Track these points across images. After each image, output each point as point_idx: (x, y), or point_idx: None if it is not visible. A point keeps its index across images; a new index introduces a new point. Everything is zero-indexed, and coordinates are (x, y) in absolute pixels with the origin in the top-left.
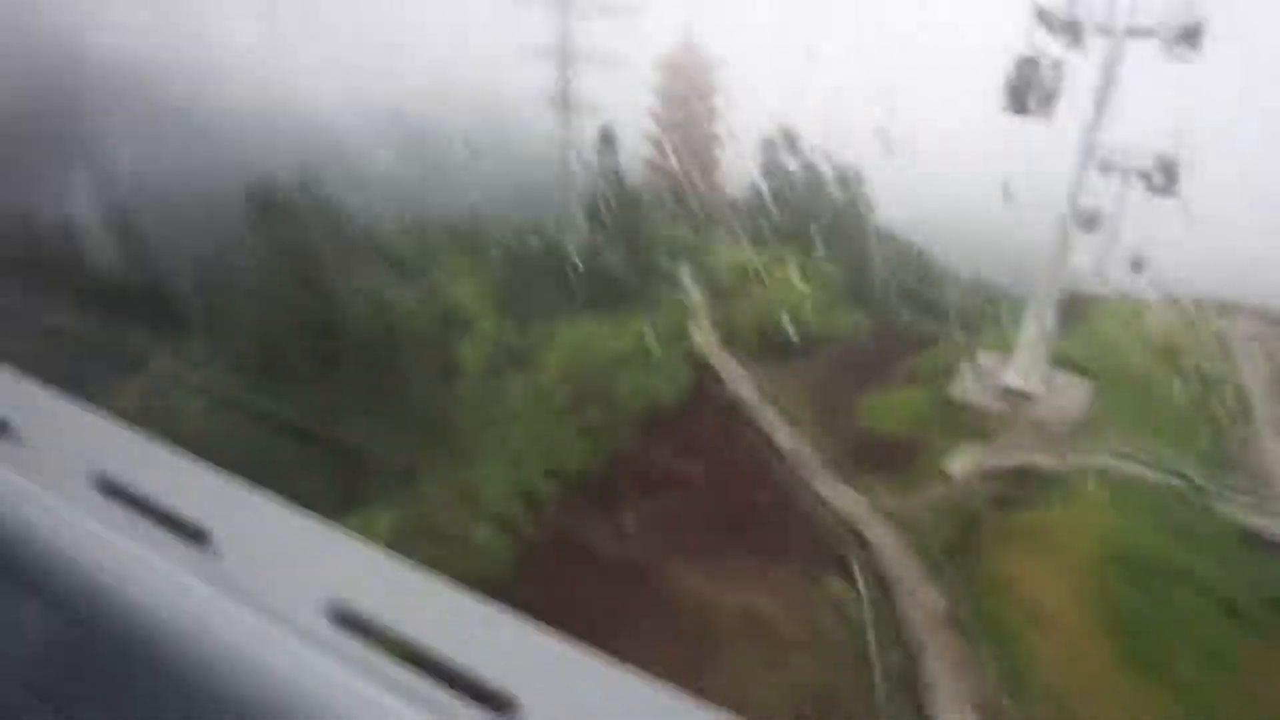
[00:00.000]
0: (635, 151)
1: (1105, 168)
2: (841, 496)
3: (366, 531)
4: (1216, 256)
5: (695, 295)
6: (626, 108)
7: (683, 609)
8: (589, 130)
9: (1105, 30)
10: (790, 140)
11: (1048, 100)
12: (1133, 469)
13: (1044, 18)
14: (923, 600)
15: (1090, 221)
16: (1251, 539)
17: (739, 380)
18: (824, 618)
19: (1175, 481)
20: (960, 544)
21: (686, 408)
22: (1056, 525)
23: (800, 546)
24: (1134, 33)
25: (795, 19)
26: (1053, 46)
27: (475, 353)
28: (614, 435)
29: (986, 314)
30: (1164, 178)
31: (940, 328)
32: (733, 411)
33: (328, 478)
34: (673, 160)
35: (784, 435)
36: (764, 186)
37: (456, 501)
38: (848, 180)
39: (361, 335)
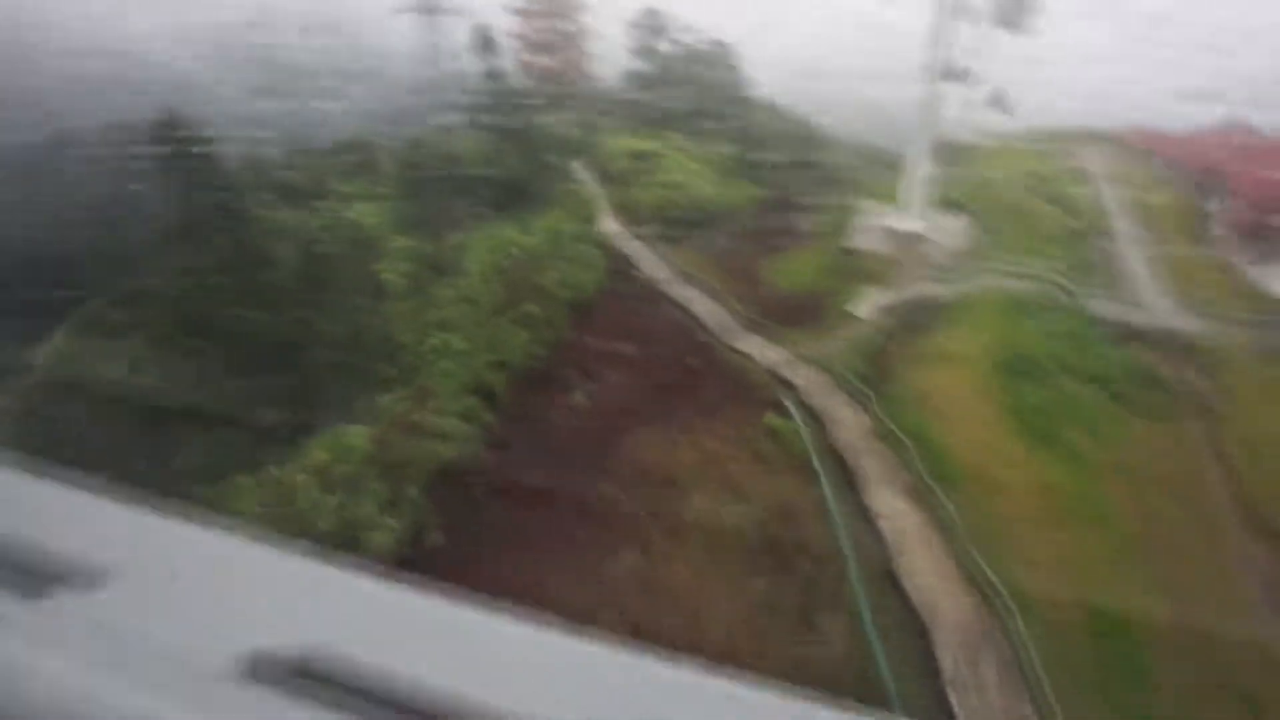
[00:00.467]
0: (504, 50)
1: (957, 12)
2: (764, 351)
3: (344, 448)
4: (1075, 87)
5: (592, 187)
6: (488, 7)
7: (643, 463)
8: (458, 35)
9: None
10: (656, 21)
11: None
12: (1014, 285)
13: None
14: (850, 422)
15: (952, 72)
16: (1118, 329)
17: (649, 261)
18: (768, 449)
19: (1052, 290)
20: (874, 372)
21: (609, 293)
22: (955, 341)
23: (737, 397)
24: None
25: None
26: None
27: (395, 270)
28: (551, 325)
29: (869, 171)
30: (1014, 8)
31: (829, 190)
32: (651, 290)
33: (282, 412)
34: (544, 56)
35: (701, 306)
36: (641, 69)
37: (418, 406)
38: (721, 57)
39: (285, 268)
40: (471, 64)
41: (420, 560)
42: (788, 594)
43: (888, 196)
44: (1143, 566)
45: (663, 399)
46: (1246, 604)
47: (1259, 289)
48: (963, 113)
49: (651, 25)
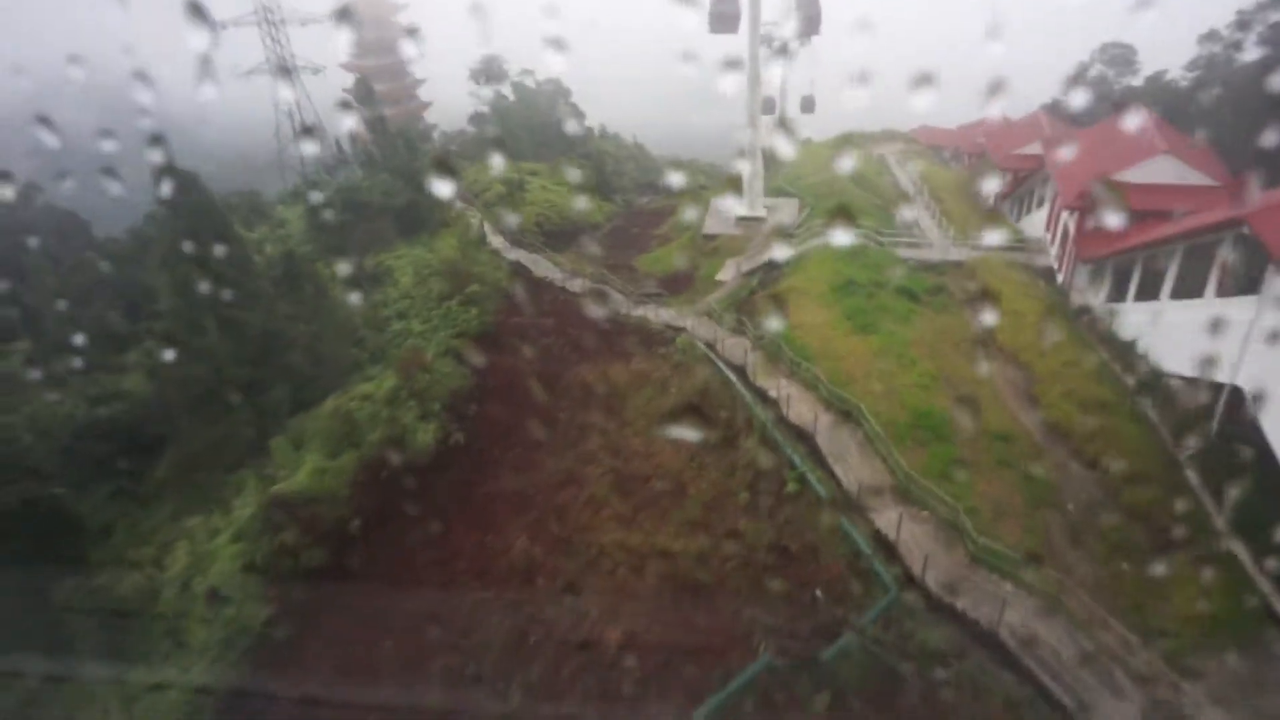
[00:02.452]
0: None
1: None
2: (656, 313)
3: (379, 383)
4: (873, 104)
5: (474, 212)
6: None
7: (589, 382)
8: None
9: None
10: (495, 67)
11: (732, 21)
12: (838, 239)
13: None
14: (734, 344)
15: (766, 104)
16: (916, 261)
17: (539, 264)
18: (681, 361)
19: (866, 242)
20: (744, 311)
21: (516, 290)
22: (800, 279)
23: (647, 342)
24: None
25: None
26: None
27: (338, 283)
28: (485, 308)
29: (709, 178)
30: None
31: (672, 198)
32: (549, 285)
33: (288, 397)
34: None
35: (597, 294)
36: (484, 111)
37: (410, 364)
38: (559, 94)
39: (267, 276)
40: (358, 110)
41: (450, 452)
42: (716, 437)
43: (734, 190)
44: (939, 387)
45: (590, 350)
46: (1001, 400)
47: (1012, 228)
48: (779, 125)
49: (489, 71)
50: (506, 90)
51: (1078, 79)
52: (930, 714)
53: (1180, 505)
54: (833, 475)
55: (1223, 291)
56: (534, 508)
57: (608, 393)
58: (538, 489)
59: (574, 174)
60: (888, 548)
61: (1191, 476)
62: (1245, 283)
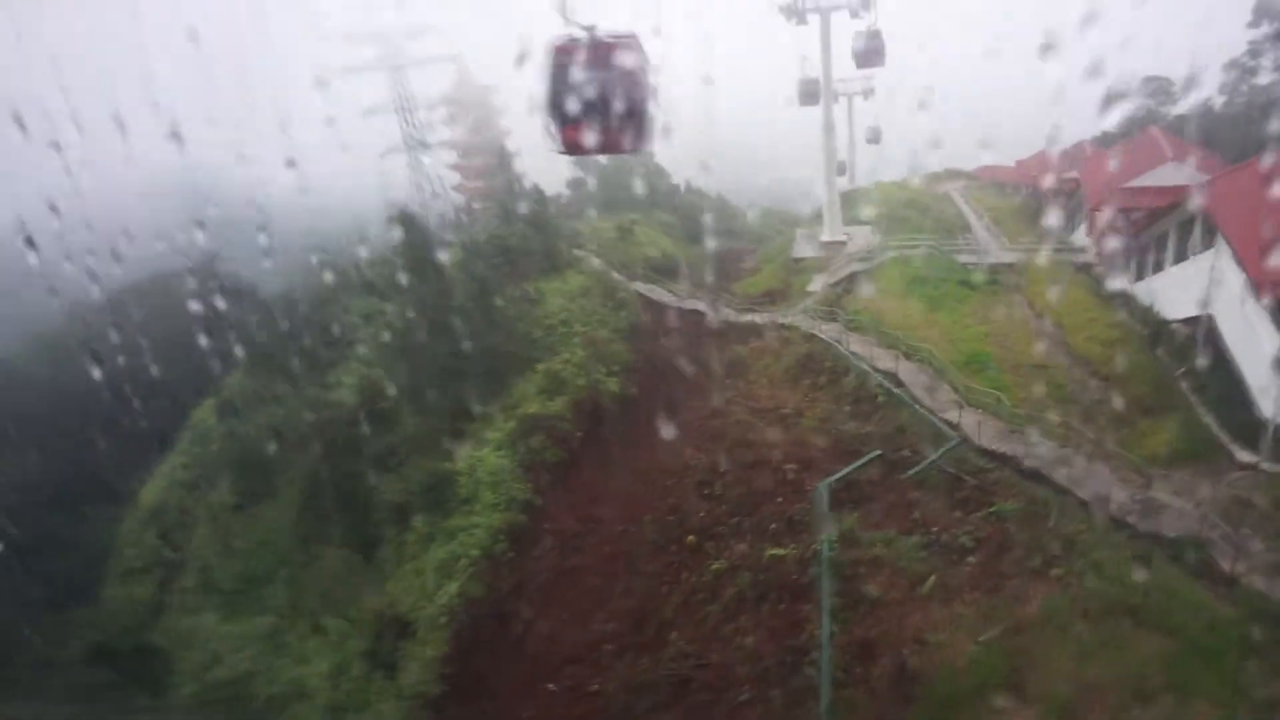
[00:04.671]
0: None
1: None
2: (760, 317)
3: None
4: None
5: (590, 255)
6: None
7: (717, 357)
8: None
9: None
10: None
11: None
12: (908, 253)
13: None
14: (827, 328)
15: (840, 167)
16: (973, 265)
17: (655, 291)
18: (787, 340)
19: (931, 250)
20: (834, 307)
21: (645, 315)
22: (879, 282)
23: (758, 333)
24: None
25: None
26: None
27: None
28: (630, 309)
29: (781, 221)
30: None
31: (751, 241)
32: (666, 304)
33: (497, 375)
34: (479, 181)
35: (710, 307)
36: (581, 176)
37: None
38: (648, 159)
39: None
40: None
41: (628, 399)
42: (823, 380)
43: (816, 224)
44: (990, 341)
45: (712, 338)
46: (1040, 345)
47: (1061, 239)
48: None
49: None
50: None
51: (1121, 109)
52: (985, 500)
53: (1169, 398)
54: (912, 395)
55: (1195, 251)
56: (695, 432)
57: (733, 361)
58: (695, 421)
59: (668, 222)
60: (953, 427)
61: (1183, 384)
62: (1208, 240)
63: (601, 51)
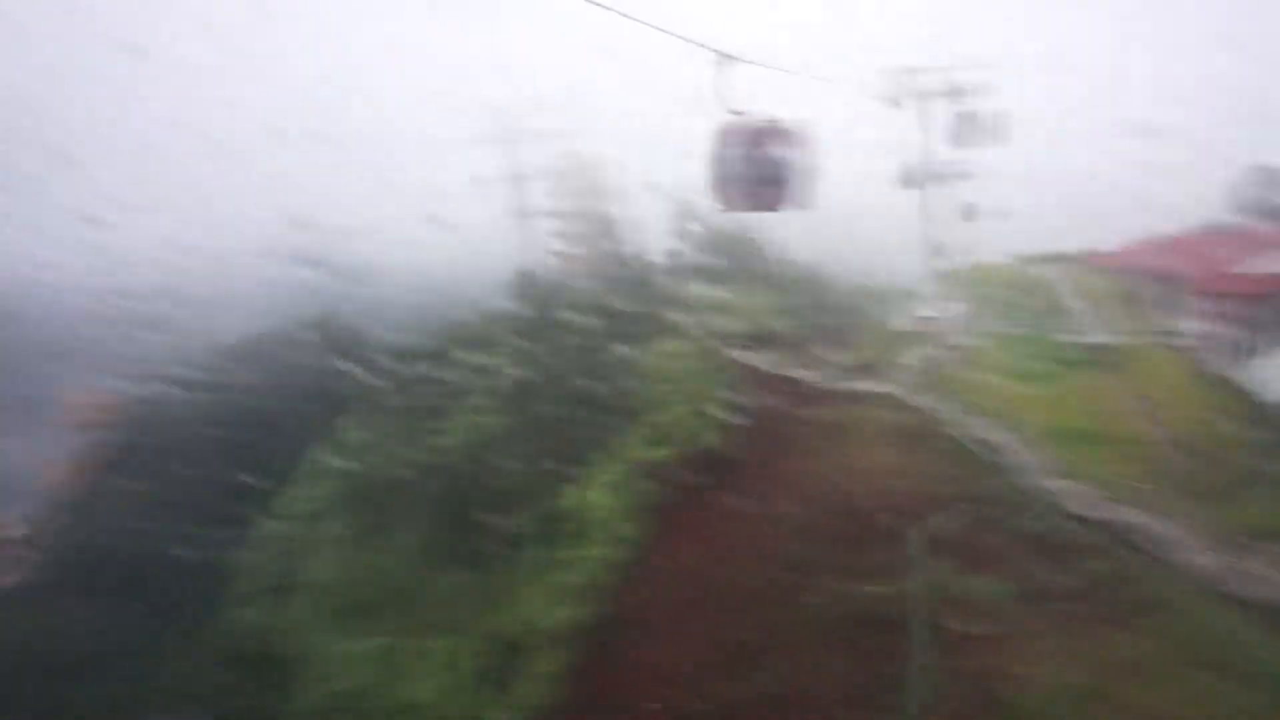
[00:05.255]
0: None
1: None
2: (857, 386)
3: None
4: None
5: (694, 324)
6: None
7: (830, 420)
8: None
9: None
10: (690, 209)
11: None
12: (1004, 330)
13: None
14: (923, 400)
15: (938, 250)
16: (1073, 346)
17: (753, 359)
18: (894, 405)
19: (1029, 331)
20: (930, 379)
21: (743, 379)
22: (976, 356)
23: (860, 401)
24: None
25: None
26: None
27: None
28: (732, 372)
29: (877, 296)
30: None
31: (847, 314)
32: (762, 372)
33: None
34: (579, 248)
35: (805, 375)
36: (678, 246)
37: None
38: (742, 230)
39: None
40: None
41: (716, 461)
42: (922, 450)
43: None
44: (1083, 416)
45: (809, 399)
46: (1132, 421)
47: (1163, 322)
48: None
49: (685, 212)
50: (696, 227)
51: (1223, 195)
52: (1074, 558)
53: (1265, 477)
54: (1005, 462)
55: None
56: (790, 486)
57: (828, 424)
58: (791, 476)
59: (765, 292)
60: (1045, 492)
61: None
62: None
63: (752, 131)
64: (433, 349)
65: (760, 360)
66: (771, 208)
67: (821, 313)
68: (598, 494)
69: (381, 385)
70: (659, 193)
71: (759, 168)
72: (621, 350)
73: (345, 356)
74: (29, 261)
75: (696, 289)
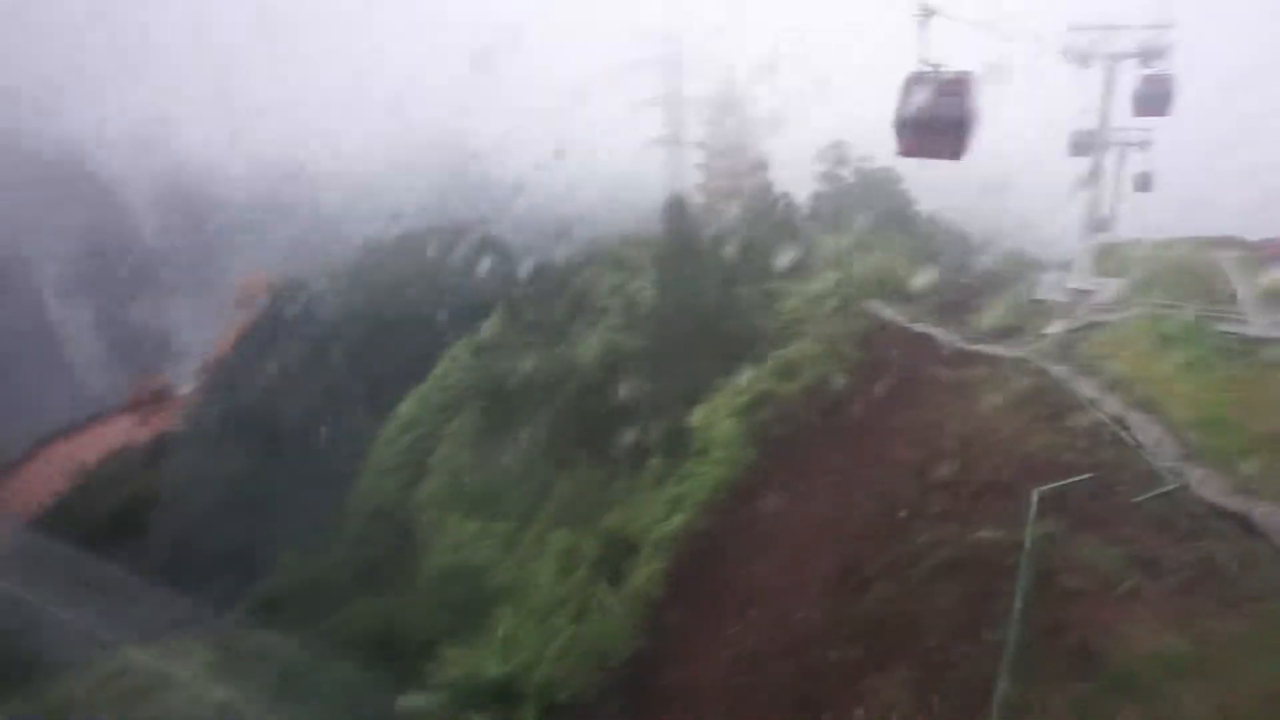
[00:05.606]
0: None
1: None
2: (990, 349)
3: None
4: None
5: (832, 268)
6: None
7: (949, 378)
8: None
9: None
10: (841, 152)
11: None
12: (1160, 311)
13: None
14: (1058, 369)
15: (1100, 222)
16: (1233, 336)
17: (887, 311)
18: (1015, 370)
19: (1188, 317)
20: (1070, 351)
21: (876, 328)
22: (1122, 334)
23: (984, 361)
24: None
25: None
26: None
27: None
28: (858, 338)
29: (1017, 261)
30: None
31: (986, 277)
32: (896, 323)
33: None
34: (725, 181)
35: (938, 333)
36: (824, 190)
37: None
38: (892, 181)
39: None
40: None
41: (842, 401)
42: (1051, 419)
43: (1060, 269)
44: (1238, 413)
45: (938, 360)
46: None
47: None
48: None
49: (835, 155)
50: (846, 173)
51: None
52: (1195, 540)
53: None
54: (1138, 440)
55: None
56: (914, 435)
57: (957, 382)
58: (915, 426)
59: (906, 246)
60: (1176, 475)
61: None
62: None
63: (941, 82)
64: (573, 266)
65: (895, 313)
66: (953, 157)
67: (964, 273)
68: (722, 416)
69: (521, 294)
70: (813, 132)
71: (946, 117)
72: (757, 285)
73: (489, 264)
74: (217, 151)
75: (838, 235)
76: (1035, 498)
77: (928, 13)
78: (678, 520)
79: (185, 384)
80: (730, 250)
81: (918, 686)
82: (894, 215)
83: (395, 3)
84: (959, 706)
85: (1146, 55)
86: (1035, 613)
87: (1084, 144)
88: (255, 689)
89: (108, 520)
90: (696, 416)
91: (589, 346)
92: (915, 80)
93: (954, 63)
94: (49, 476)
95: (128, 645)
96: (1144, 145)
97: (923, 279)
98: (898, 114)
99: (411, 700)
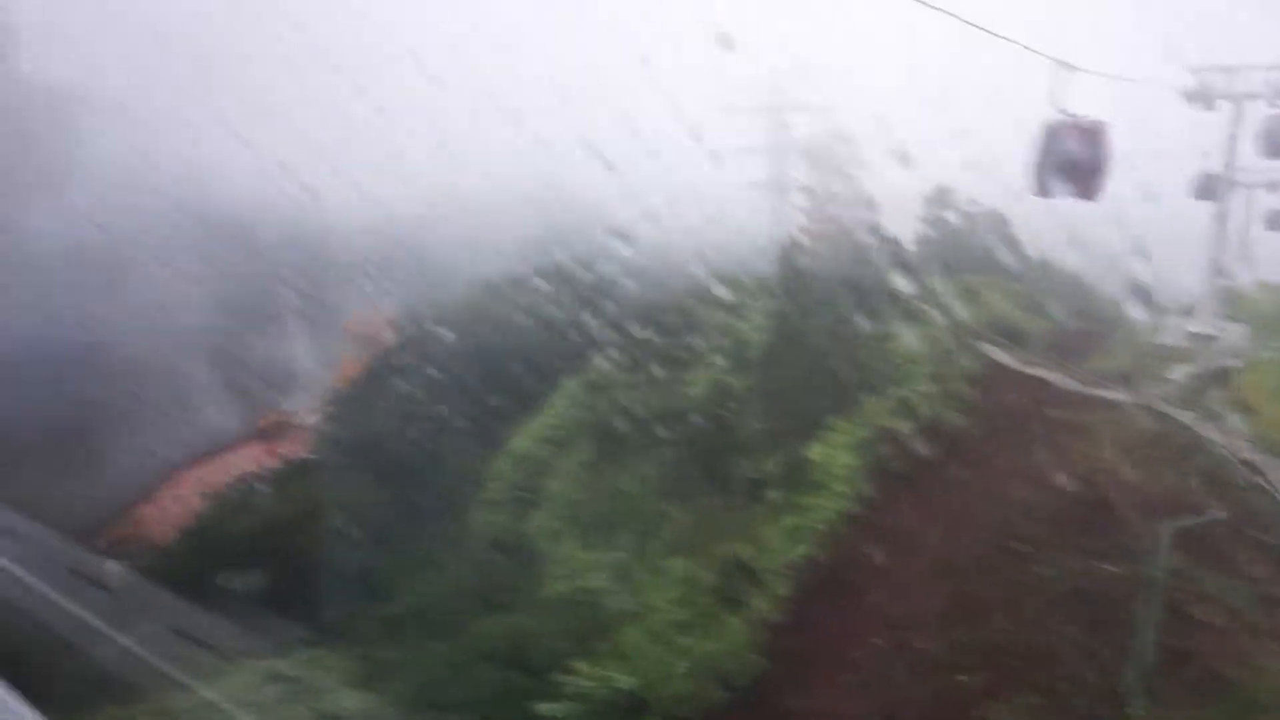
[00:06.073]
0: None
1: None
2: (1109, 394)
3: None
4: None
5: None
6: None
7: (1059, 417)
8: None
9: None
10: (947, 197)
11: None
12: None
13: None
14: (1179, 414)
15: (1222, 265)
16: None
17: (994, 351)
18: (1135, 414)
19: None
20: (1192, 401)
21: (988, 370)
22: (1249, 379)
23: (1102, 405)
24: None
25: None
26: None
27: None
28: (971, 379)
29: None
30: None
31: (1100, 323)
32: (1006, 365)
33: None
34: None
35: (1053, 377)
36: (930, 234)
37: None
38: (999, 224)
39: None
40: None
41: (957, 440)
42: (1176, 462)
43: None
44: None
45: (1057, 401)
46: None
47: None
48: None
49: (940, 200)
50: (953, 216)
51: None
52: None
53: None
54: (1271, 485)
55: None
56: (1032, 473)
57: (1075, 424)
58: (1032, 466)
59: (1017, 291)
60: None
61: None
62: None
63: (1079, 129)
64: (680, 306)
65: (1007, 356)
66: (1089, 198)
67: (1078, 317)
68: (840, 452)
69: (629, 334)
70: (917, 174)
71: (1084, 161)
72: (865, 325)
73: (597, 304)
74: (328, 184)
75: (947, 277)
76: (1163, 534)
77: (1068, 67)
78: (798, 550)
79: (303, 416)
80: (840, 292)
81: (1044, 711)
82: (1003, 259)
83: (499, 59)
84: None
85: (1275, 95)
86: (1163, 641)
87: (1209, 186)
88: (395, 695)
89: (241, 540)
90: (814, 451)
91: (698, 384)
92: (1055, 127)
93: (1081, 109)
94: (184, 499)
95: (268, 656)
96: (1272, 187)
97: (1035, 322)
98: (1039, 157)
99: (549, 708)
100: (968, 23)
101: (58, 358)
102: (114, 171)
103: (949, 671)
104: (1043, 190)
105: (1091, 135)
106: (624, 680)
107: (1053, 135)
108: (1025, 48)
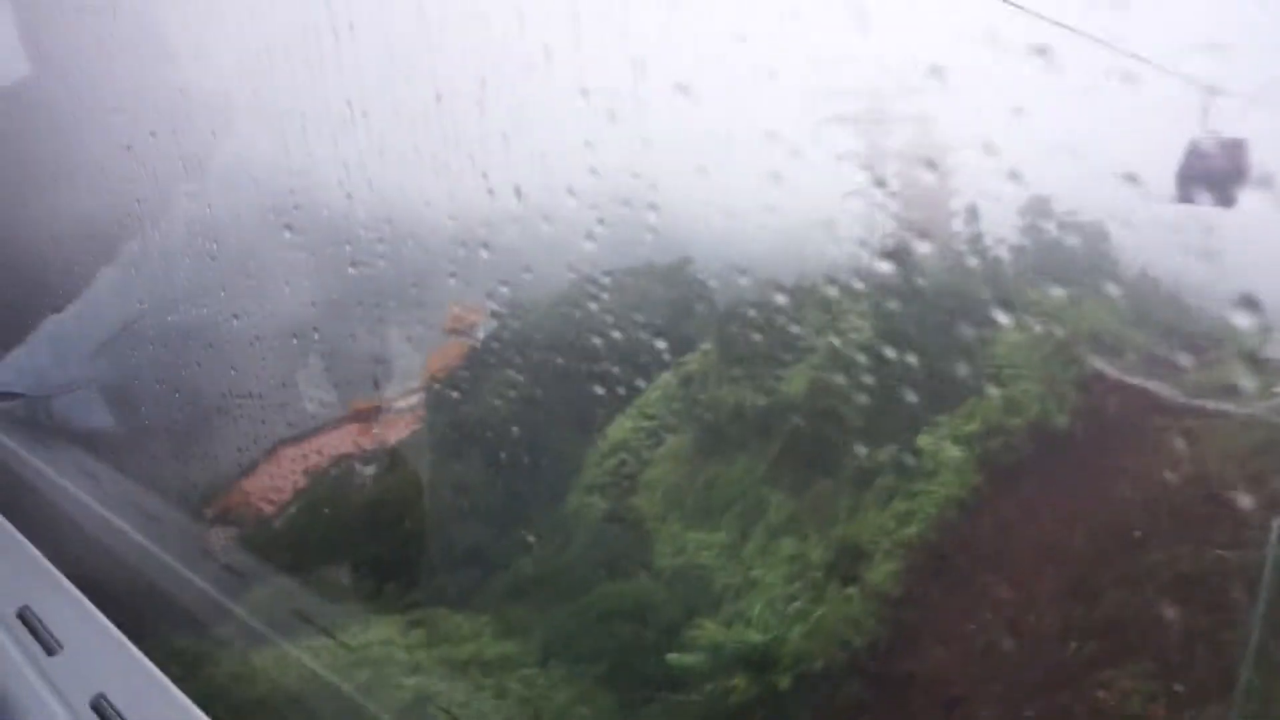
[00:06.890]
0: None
1: None
2: (1215, 404)
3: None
4: None
5: (1042, 316)
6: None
7: (1163, 425)
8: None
9: None
10: (1044, 207)
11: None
12: None
13: None
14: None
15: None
16: None
17: (1100, 363)
18: (1242, 427)
19: None
20: None
21: (1091, 377)
22: None
23: (1212, 415)
24: None
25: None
26: None
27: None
28: (1083, 364)
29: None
30: None
31: (1209, 334)
32: (1110, 376)
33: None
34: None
35: (1157, 387)
36: (1024, 244)
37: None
38: (1096, 235)
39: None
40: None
41: (1064, 438)
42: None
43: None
44: None
45: (1161, 410)
46: None
47: None
48: None
49: (1038, 210)
50: (1052, 226)
51: None
52: None
53: None
54: None
55: None
56: (1138, 472)
57: (1181, 429)
58: (1138, 465)
59: (1116, 302)
60: None
61: None
62: None
63: (1220, 145)
64: (776, 305)
65: (1109, 365)
66: (1227, 206)
67: (1180, 329)
68: (949, 444)
69: (726, 330)
70: (1017, 184)
71: (1223, 174)
72: (968, 331)
73: (693, 301)
74: (420, 187)
75: (1046, 286)
76: (1274, 529)
77: (1213, 91)
78: (910, 530)
79: (398, 402)
80: (943, 296)
81: (1157, 677)
82: (1103, 270)
83: (587, 66)
84: (1199, 694)
85: None
86: (1277, 618)
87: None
88: (529, 647)
89: (350, 515)
90: (923, 441)
91: (799, 379)
92: (1199, 142)
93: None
94: (287, 474)
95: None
96: None
97: (1138, 333)
98: (1182, 169)
99: (680, 659)
100: (1106, 44)
101: (176, 340)
102: (233, 172)
103: (1061, 641)
104: (1185, 197)
105: (1231, 151)
106: (754, 635)
107: (1197, 149)
108: (1169, 72)
